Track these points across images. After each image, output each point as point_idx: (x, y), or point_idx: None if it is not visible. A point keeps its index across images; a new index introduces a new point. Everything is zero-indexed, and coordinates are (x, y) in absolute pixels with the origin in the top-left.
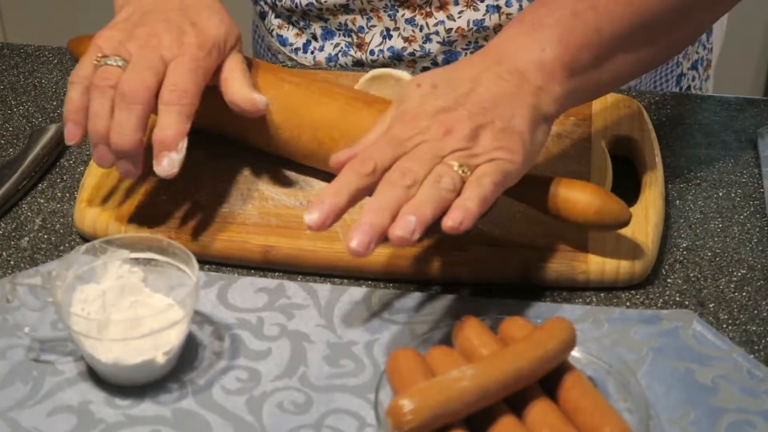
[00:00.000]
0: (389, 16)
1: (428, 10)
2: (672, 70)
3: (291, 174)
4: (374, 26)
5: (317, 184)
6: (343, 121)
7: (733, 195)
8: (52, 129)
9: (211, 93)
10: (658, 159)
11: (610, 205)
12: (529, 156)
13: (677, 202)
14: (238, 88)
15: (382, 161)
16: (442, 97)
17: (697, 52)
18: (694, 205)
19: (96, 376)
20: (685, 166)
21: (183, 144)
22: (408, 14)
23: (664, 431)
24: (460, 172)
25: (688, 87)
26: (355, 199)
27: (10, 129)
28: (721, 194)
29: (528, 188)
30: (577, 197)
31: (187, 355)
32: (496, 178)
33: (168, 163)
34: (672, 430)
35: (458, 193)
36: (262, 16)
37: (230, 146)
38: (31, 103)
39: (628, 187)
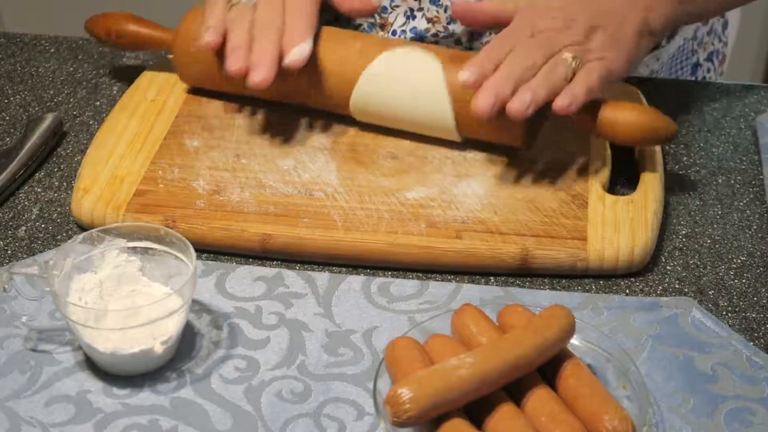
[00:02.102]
0: None
1: None
2: (687, 57)
3: (289, 162)
4: (398, 6)
5: (315, 173)
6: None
7: (732, 182)
8: (49, 118)
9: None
10: (658, 146)
11: (658, 121)
12: (632, 62)
13: (676, 189)
14: None
15: (516, 42)
16: None
17: (713, 44)
18: (693, 192)
19: (94, 365)
20: (685, 153)
21: (310, 39)
22: None
23: (663, 419)
24: (573, 64)
25: (704, 78)
26: (493, 68)
27: (7, 118)
28: (720, 181)
29: (581, 112)
30: (627, 117)
31: (185, 344)
32: (602, 73)
33: (297, 51)
34: (671, 418)
35: (569, 82)
36: None
37: (227, 135)
38: (28, 92)
39: (627, 175)
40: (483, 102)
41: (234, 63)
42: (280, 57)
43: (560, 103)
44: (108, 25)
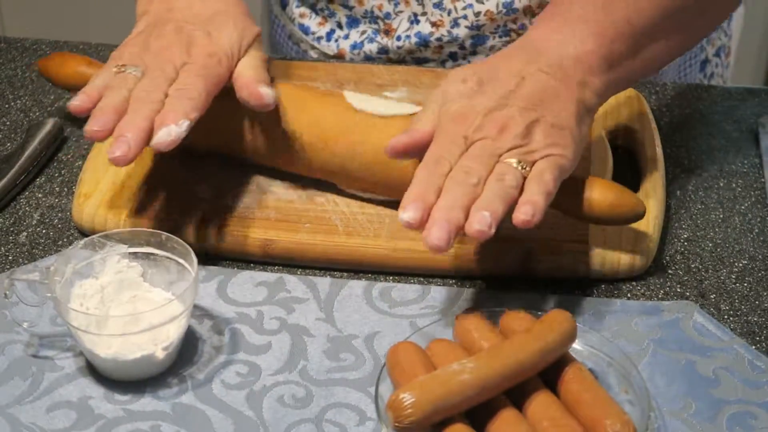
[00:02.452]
0: (417, 0)
1: None
2: (696, 55)
3: None
4: (401, 11)
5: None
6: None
7: (734, 185)
8: (49, 123)
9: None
10: (659, 149)
11: (624, 198)
12: (578, 150)
13: (678, 192)
14: (246, 82)
15: (451, 160)
16: (489, 94)
17: (720, 39)
18: (694, 196)
19: (95, 371)
20: (686, 157)
21: (184, 123)
22: None
23: (665, 423)
24: (520, 168)
25: (712, 74)
26: (433, 195)
27: (8, 123)
28: (722, 185)
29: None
30: (590, 194)
31: (187, 349)
32: (555, 173)
33: (165, 132)
34: (673, 422)
35: (521, 190)
36: (284, 5)
37: None
38: (29, 97)
39: (628, 178)
40: (436, 236)
41: (93, 124)
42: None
43: (522, 217)
44: (61, 70)
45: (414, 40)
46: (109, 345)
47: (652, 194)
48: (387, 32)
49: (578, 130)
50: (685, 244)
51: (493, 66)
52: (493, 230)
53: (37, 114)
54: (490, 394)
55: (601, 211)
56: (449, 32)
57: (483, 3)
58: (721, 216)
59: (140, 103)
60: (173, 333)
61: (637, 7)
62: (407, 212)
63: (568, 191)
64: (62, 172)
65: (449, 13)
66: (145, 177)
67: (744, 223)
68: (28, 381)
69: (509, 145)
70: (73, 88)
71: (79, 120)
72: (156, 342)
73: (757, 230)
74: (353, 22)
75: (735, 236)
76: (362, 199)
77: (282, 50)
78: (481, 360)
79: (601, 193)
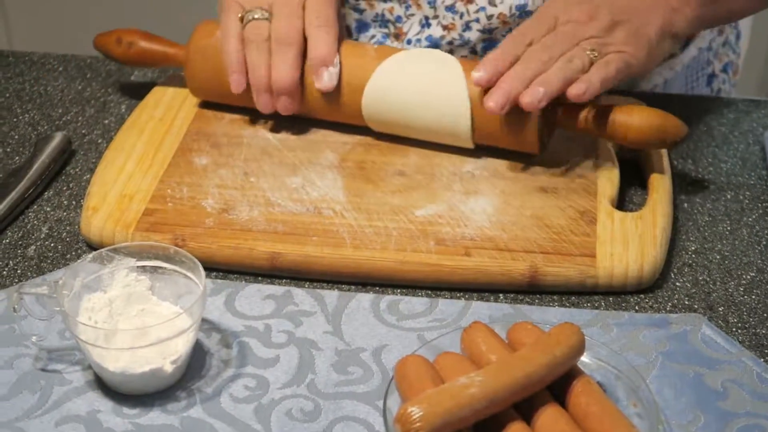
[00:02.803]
0: (429, 3)
1: None
2: (702, 68)
3: (297, 180)
4: (413, 15)
5: (323, 191)
6: None
7: (741, 197)
8: (57, 137)
9: None
10: (666, 162)
11: (669, 121)
12: (652, 59)
13: (685, 205)
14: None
15: (536, 35)
16: None
17: (728, 55)
18: (702, 208)
19: (104, 385)
20: (693, 169)
21: (337, 59)
22: (449, 1)
23: None
24: (591, 56)
25: (719, 90)
26: (509, 63)
27: (16, 137)
28: (729, 197)
29: (591, 116)
30: (637, 121)
31: (195, 363)
32: (620, 65)
33: (328, 77)
34: None
35: (586, 72)
36: None
37: (236, 153)
38: (37, 111)
39: (635, 191)
40: (494, 100)
41: (263, 107)
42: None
43: (575, 91)
44: (118, 38)
45: (425, 43)
46: (117, 359)
47: (659, 207)
48: (397, 36)
49: (657, 43)
50: (693, 256)
51: None
52: (542, 104)
53: (45, 128)
54: (498, 408)
55: (649, 137)
56: (461, 36)
57: (496, 6)
58: (729, 228)
59: (283, 46)
60: (181, 346)
61: None
62: (479, 71)
63: (614, 121)
64: (70, 185)
65: (461, 17)
66: (153, 191)
67: (752, 235)
68: (37, 395)
69: (591, 33)
70: (131, 63)
71: (86, 134)
72: (164, 355)
73: (764, 242)
74: (363, 26)
75: (743, 248)
76: (370, 212)
77: None
78: (490, 373)
79: (644, 118)
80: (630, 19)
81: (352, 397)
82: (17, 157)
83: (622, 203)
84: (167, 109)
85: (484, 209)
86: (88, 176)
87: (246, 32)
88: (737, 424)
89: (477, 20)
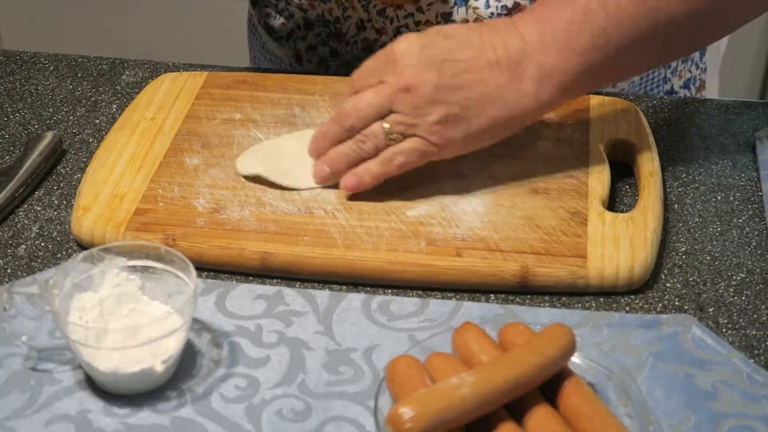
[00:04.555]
0: (362, 6)
1: (398, 2)
2: (659, 85)
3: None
4: (350, 17)
5: (315, 191)
6: None
7: (731, 198)
8: (48, 136)
9: None
10: (656, 163)
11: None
12: (465, 148)
13: (675, 206)
14: None
15: (365, 84)
16: (437, 51)
17: (690, 71)
18: (692, 209)
19: (94, 384)
20: (683, 170)
21: None
22: (379, 5)
23: None
24: (389, 136)
25: None
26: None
27: (6, 136)
28: (719, 198)
29: None
30: None
31: (186, 363)
32: (411, 158)
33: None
34: None
35: (376, 153)
36: (254, 3)
37: (227, 153)
38: (28, 110)
39: (626, 192)
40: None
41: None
42: None
43: (344, 184)
44: None
45: (361, 45)
46: (108, 358)
47: (650, 208)
48: (338, 36)
49: (483, 134)
50: (683, 257)
51: (468, 30)
52: (329, 182)
53: (36, 127)
54: (489, 408)
55: None
56: (393, 39)
57: (423, 12)
58: (719, 229)
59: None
60: (172, 346)
61: (617, 17)
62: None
63: None
64: (61, 185)
65: (392, 21)
66: (144, 190)
67: (742, 237)
68: (27, 394)
69: (400, 108)
70: None
71: (77, 133)
72: (155, 355)
73: (754, 243)
74: (309, 24)
75: (733, 249)
76: (361, 212)
77: (257, 61)
78: (481, 374)
79: None
80: (456, 102)
81: (343, 397)
82: (8, 157)
83: (612, 204)
84: (158, 109)
85: (476, 210)
86: (78, 176)
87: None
88: (727, 425)
89: (406, 26)
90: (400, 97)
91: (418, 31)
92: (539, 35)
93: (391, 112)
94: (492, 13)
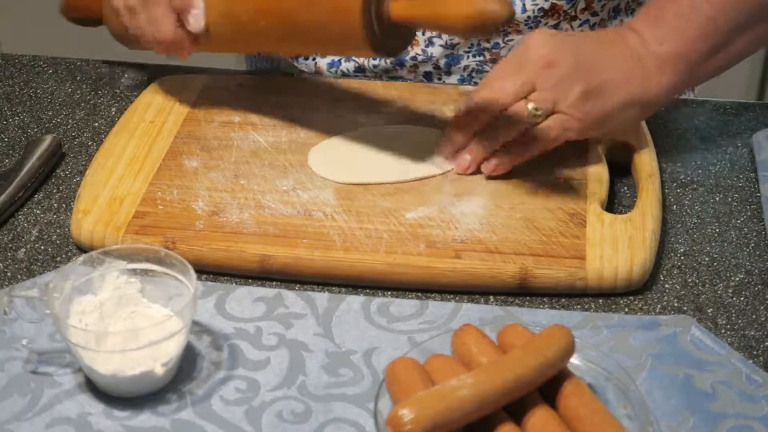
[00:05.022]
0: None
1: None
2: None
3: (287, 182)
4: None
5: (314, 193)
6: None
7: (729, 199)
8: (47, 139)
9: None
10: (655, 164)
11: (487, 6)
12: (600, 127)
13: (674, 207)
14: None
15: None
16: (567, 38)
17: None
18: (691, 210)
19: (94, 387)
20: (682, 171)
21: (199, 1)
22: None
23: None
24: (534, 112)
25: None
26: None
27: (6, 140)
28: (717, 199)
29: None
30: (453, 9)
31: (186, 365)
32: (552, 134)
33: (193, 19)
34: None
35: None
36: None
37: (226, 156)
38: (27, 114)
39: (624, 193)
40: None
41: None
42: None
43: (484, 169)
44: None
45: (389, 59)
46: (108, 361)
47: (649, 209)
48: None
49: (614, 113)
50: (682, 258)
51: (584, 35)
52: (469, 171)
53: (35, 130)
54: (489, 410)
55: (467, 22)
56: (424, 51)
57: None
58: (718, 230)
59: (151, 4)
60: (172, 349)
61: (720, 4)
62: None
63: (435, 5)
64: (60, 188)
65: (423, 33)
66: (143, 194)
67: (740, 237)
68: (28, 397)
69: (543, 85)
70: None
71: (76, 136)
72: (155, 358)
73: (753, 244)
74: None
75: (731, 250)
76: (360, 214)
77: (255, 65)
78: (480, 375)
79: (460, 5)
80: (590, 81)
81: (342, 400)
82: (7, 160)
83: (611, 205)
84: (157, 112)
85: (475, 211)
86: (78, 179)
87: (123, 2)
88: (726, 425)
89: (439, 36)
90: (542, 74)
91: (451, 39)
92: (652, 30)
93: (533, 90)
94: (528, 17)
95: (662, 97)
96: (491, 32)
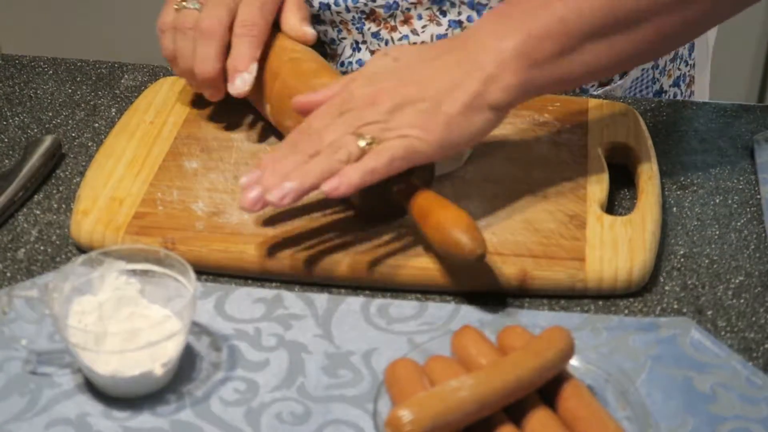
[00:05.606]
0: (357, 29)
1: (393, 24)
2: (648, 86)
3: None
4: (344, 38)
5: (313, 194)
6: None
7: (730, 202)
8: (47, 140)
9: None
10: (655, 166)
11: (463, 240)
12: (452, 141)
13: (674, 209)
14: (292, 21)
15: (320, 125)
16: (394, 72)
17: (679, 69)
18: (691, 212)
19: (94, 388)
20: (682, 173)
21: (254, 66)
22: (374, 28)
23: None
24: (365, 144)
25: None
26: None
27: (6, 140)
28: (717, 201)
29: (415, 207)
30: (436, 220)
31: (185, 366)
32: (398, 153)
33: (240, 82)
34: None
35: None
36: None
37: (226, 157)
38: (27, 114)
39: (624, 195)
40: (246, 199)
41: (193, 88)
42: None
43: (326, 187)
44: None
45: (356, 66)
46: (107, 362)
47: (648, 211)
48: (333, 57)
49: (460, 122)
50: (682, 260)
51: (420, 49)
52: (286, 201)
53: (35, 131)
54: (488, 411)
55: (435, 243)
56: None
57: (418, 35)
58: (717, 232)
59: (205, 38)
60: (171, 350)
61: (577, 6)
62: (244, 177)
63: (421, 207)
64: (60, 188)
65: (386, 43)
66: (143, 194)
67: (740, 240)
68: (27, 398)
69: (370, 119)
70: None
71: (76, 137)
72: (154, 359)
73: (753, 246)
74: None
75: (731, 252)
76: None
77: None
78: (480, 377)
79: (441, 231)
80: (423, 98)
81: (342, 401)
82: (7, 161)
83: (611, 207)
84: (157, 113)
85: (474, 213)
86: (78, 180)
87: (176, 22)
88: (726, 428)
89: None
90: (364, 114)
91: None
92: (493, 25)
93: (360, 127)
94: None
95: (511, 97)
96: (462, 263)
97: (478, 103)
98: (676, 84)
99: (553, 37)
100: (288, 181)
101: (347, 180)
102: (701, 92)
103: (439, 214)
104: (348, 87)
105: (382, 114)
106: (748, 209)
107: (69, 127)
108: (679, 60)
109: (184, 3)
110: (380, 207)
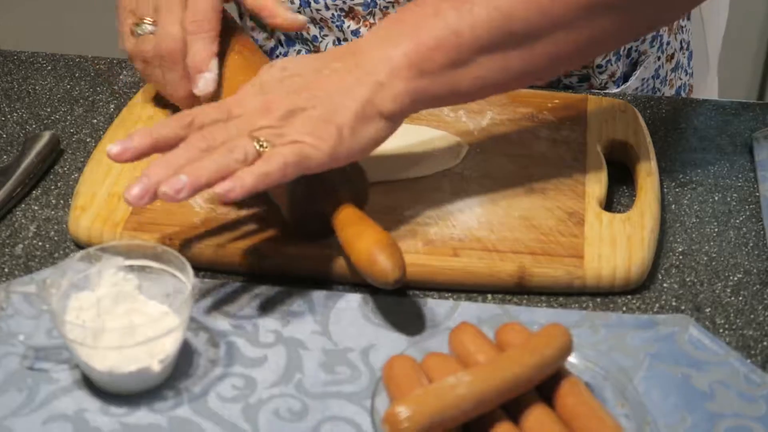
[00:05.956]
0: (337, 26)
1: (372, 21)
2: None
3: None
4: (326, 35)
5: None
6: None
7: (728, 199)
8: (46, 136)
9: None
10: (654, 163)
11: (376, 267)
12: (345, 149)
13: (673, 206)
14: (280, 9)
15: (201, 121)
16: (284, 81)
17: (681, 78)
18: (689, 210)
19: (91, 384)
20: (681, 171)
21: (214, 63)
22: (353, 25)
23: None
24: (259, 147)
25: None
26: (158, 143)
27: (4, 136)
28: (716, 198)
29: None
30: (354, 255)
31: (183, 362)
32: (290, 159)
33: (203, 83)
34: None
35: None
36: (241, 16)
37: None
38: (25, 110)
39: (623, 192)
40: (130, 192)
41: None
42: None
43: (219, 189)
44: None
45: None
46: (104, 358)
47: (647, 208)
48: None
49: (352, 130)
50: (680, 257)
51: (310, 58)
52: (182, 196)
53: (34, 127)
54: (486, 408)
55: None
56: None
57: None
58: (716, 230)
59: (168, 64)
60: (169, 346)
61: (471, 18)
62: (115, 146)
63: (344, 227)
64: (58, 184)
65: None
66: None
67: (739, 237)
68: (24, 393)
69: (262, 124)
70: None
71: (75, 133)
72: (152, 355)
73: (752, 244)
74: (289, 41)
75: (730, 250)
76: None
77: None
78: (478, 374)
79: (356, 254)
80: (314, 106)
81: (339, 397)
82: (5, 156)
83: (610, 205)
84: (156, 109)
85: (473, 210)
86: (76, 175)
87: (136, 49)
88: (724, 425)
89: None
90: (257, 119)
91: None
92: (385, 31)
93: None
94: None
95: (402, 106)
96: (379, 286)
97: (369, 112)
98: (677, 94)
99: (444, 48)
100: (183, 174)
101: (241, 183)
102: (702, 90)
103: (356, 234)
104: (237, 95)
105: (275, 120)
106: (746, 207)
107: (67, 123)
108: (680, 69)
109: (137, 27)
110: (313, 224)
